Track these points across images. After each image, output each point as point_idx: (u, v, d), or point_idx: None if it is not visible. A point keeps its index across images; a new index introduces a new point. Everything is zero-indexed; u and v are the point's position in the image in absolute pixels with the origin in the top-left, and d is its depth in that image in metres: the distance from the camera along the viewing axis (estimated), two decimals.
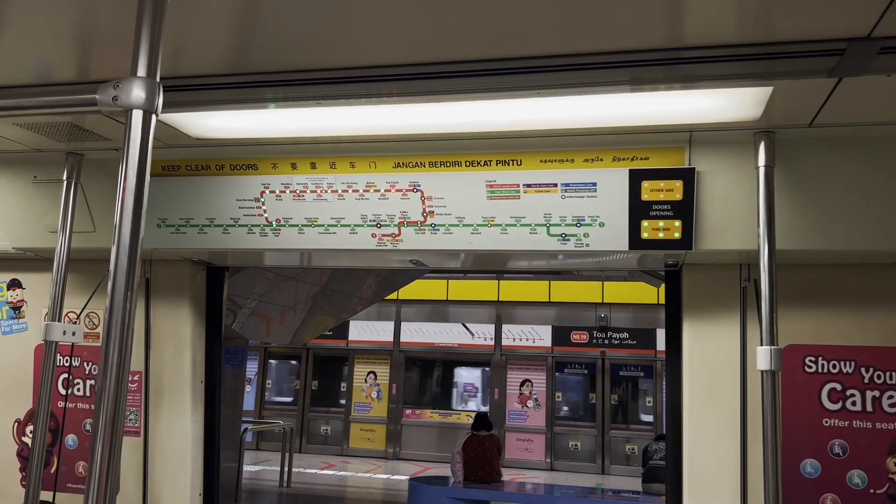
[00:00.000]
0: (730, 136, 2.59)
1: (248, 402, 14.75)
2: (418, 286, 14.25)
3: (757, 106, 2.33)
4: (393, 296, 13.98)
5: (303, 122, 2.71)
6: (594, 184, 2.68)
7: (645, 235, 2.64)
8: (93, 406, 2.56)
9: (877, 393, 2.74)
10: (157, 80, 1.57)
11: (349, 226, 2.90)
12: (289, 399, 16.40)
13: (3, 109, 2.14)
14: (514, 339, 15.44)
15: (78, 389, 3.55)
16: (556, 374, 15.16)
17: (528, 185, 2.73)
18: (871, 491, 2.71)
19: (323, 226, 2.93)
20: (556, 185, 2.71)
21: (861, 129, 2.48)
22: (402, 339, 15.96)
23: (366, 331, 16.06)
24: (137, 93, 1.53)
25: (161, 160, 3.06)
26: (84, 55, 2.24)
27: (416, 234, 2.85)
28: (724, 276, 2.88)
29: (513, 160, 2.75)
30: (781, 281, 2.52)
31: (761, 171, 2.51)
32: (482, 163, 2.77)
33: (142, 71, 1.56)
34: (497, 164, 2.76)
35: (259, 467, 13.00)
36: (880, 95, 2.23)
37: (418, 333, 15.94)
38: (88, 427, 3.51)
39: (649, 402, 14.67)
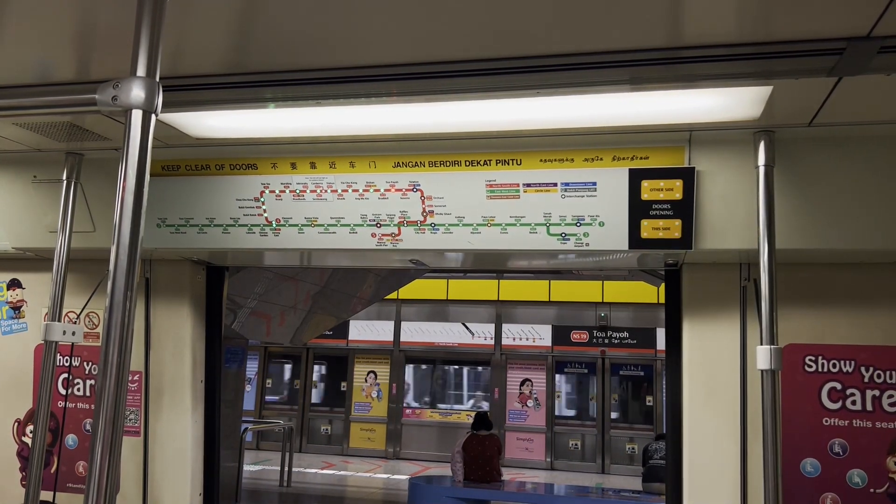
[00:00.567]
0: (729, 135, 2.59)
1: (248, 402, 14.76)
2: (418, 286, 14.26)
3: (756, 105, 2.33)
4: (393, 295, 13.98)
5: (302, 122, 2.71)
6: (594, 183, 2.68)
7: (645, 235, 2.64)
8: (93, 406, 2.56)
9: (877, 392, 2.74)
10: (157, 79, 1.57)
11: (349, 225, 2.90)
12: (289, 399, 16.41)
13: (3, 109, 2.14)
14: (514, 339, 15.45)
15: (78, 389, 3.55)
16: (556, 373, 15.17)
17: (528, 185, 2.73)
18: (871, 490, 2.71)
19: (323, 225, 2.93)
20: (555, 185, 2.71)
21: (861, 128, 2.47)
22: (403, 338, 15.97)
23: (366, 330, 16.07)
24: (137, 92, 1.53)
25: (161, 160, 3.06)
26: (84, 55, 2.24)
27: (415, 233, 2.85)
28: (723, 275, 2.88)
29: (512, 160, 2.75)
30: (781, 280, 2.52)
31: (761, 170, 2.50)
32: (482, 162, 2.77)
33: (141, 71, 1.56)
34: (497, 163, 2.76)
35: (259, 467, 13.01)
36: (880, 95, 2.23)
37: (418, 333, 15.95)
38: (88, 427, 3.51)
39: (649, 401, 14.68)
